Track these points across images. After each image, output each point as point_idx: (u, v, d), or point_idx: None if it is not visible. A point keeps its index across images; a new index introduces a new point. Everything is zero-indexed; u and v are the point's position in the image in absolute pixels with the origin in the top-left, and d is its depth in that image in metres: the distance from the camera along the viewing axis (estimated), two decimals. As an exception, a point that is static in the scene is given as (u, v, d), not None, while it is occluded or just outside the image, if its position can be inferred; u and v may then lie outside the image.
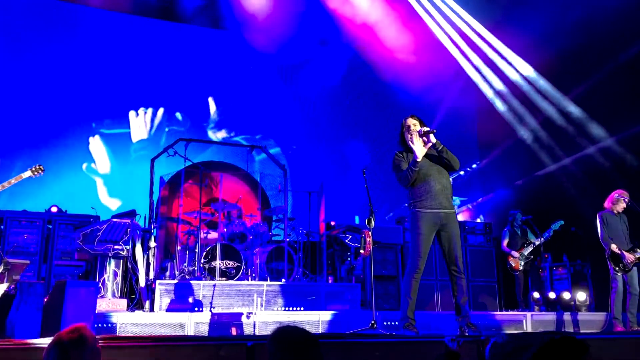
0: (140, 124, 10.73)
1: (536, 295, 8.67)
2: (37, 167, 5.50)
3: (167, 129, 10.85)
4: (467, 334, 4.76)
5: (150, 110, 10.81)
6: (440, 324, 6.58)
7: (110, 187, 10.26)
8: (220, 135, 11.12)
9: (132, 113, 10.68)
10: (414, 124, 5.12)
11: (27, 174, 5.43)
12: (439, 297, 8.73)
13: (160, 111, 10.87)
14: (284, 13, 10.40)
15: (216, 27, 11.04)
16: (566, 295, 8.64)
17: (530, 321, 7.51)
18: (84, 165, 10.16)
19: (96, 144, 10.35)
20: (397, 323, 5.77)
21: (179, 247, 7.97)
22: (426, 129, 5.03)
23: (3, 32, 9.76)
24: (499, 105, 10.89)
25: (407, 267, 5.04)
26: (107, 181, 10.28)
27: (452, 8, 11.14)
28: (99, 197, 10.15)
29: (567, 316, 7.74)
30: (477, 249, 9.30)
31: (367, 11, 10.97)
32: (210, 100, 11.25)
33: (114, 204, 10.08)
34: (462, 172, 11.65)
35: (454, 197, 10.59)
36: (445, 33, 11.24)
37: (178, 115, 10.99)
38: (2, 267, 4.41)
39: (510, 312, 7.96)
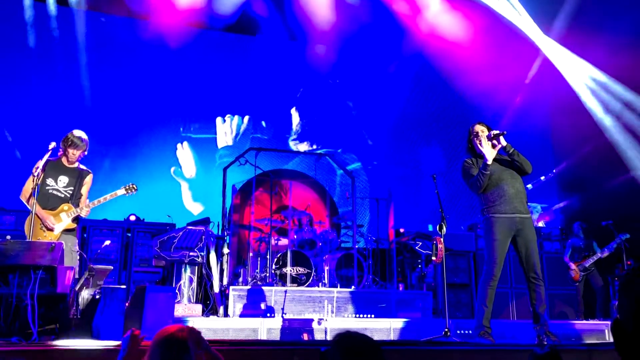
0: (226, 130, 10.98)
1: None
2: (131, 186, 5.43)
3: (251, 136, 11.03)
4: (545, 343, 4.60)
5: (236, 117, 11.03)
6: (516, 333, 6.37)
7: (194, 192, 10.51)
8: (303, 147, 11.22)
9: (219, 119, 10.94)
10: (482, 130, 5.05)
11: (121, 191, 5.36)
12: (514, 306, 8.49)
13: (246, 119, 11.07)
14: (354, 25, 10.47)
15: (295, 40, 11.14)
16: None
17: (612, 331, 7.11)
18: (172, 169, 10.44)
19: (184, 149, 10.66)
20: (470, 332, 5.66)
21: (250, 254, 8.14)
22: (496, 132, 4.94)
23: (100, 46, 10.08)
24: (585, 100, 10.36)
25: (482, 275, 4.93)
26: (192, 185, 10.54)
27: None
28: (183, 201, 10.39)
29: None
30: (554, 255, 9.01)
31: (439, 17, 10.87)
32: (294, 111, 11.37)
33: (196, 209, 10.33)
34: (542, 178, 11.28)
35: (535, 204, 10.32)
36: (519, 35, 10.91)
37: (263, 123, 11.16)
38: (87, 273, 4.64)
39: (591, 322, 7.58)
